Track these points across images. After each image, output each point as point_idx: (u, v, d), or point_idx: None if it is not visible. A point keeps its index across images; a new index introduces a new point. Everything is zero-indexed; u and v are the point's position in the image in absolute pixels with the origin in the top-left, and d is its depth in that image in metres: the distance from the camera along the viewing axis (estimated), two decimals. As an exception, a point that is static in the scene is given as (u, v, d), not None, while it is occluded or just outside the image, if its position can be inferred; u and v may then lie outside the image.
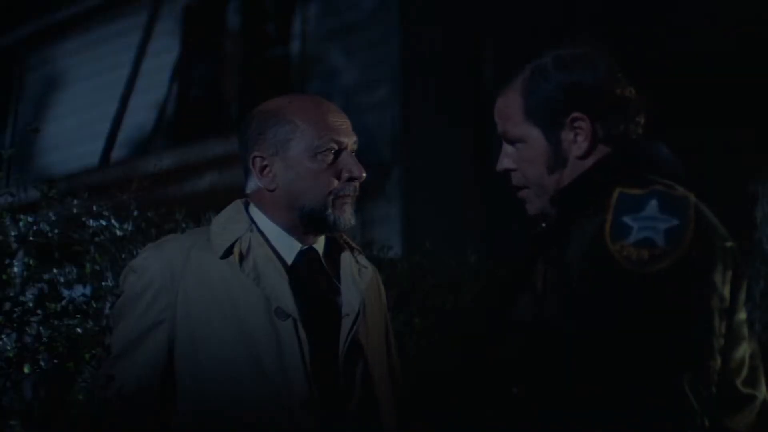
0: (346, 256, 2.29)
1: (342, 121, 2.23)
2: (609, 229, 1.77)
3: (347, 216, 2.21)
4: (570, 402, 1.76)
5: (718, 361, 1.77)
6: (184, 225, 3.86)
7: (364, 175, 2.22)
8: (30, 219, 2.44)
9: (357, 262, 2.30)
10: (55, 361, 2.08)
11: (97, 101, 9.89)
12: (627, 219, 1.78)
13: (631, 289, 1.73)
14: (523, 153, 2.02)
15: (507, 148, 2.05)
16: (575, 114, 1.97)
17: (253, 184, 2.25)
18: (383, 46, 8.02)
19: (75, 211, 3.64)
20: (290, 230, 2.23)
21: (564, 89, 1.97)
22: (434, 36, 7.96)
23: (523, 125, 2.01)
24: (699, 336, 1.75)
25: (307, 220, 2.21)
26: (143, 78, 9.53)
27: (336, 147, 2.20)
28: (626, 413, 1.70)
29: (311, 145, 2.19)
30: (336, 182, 2.20)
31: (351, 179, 2.21)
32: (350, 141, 2.22)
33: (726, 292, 1.80)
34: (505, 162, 2.05)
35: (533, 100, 1.99)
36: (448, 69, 7.84)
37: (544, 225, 2.01)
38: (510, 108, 2.03)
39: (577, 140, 1.97)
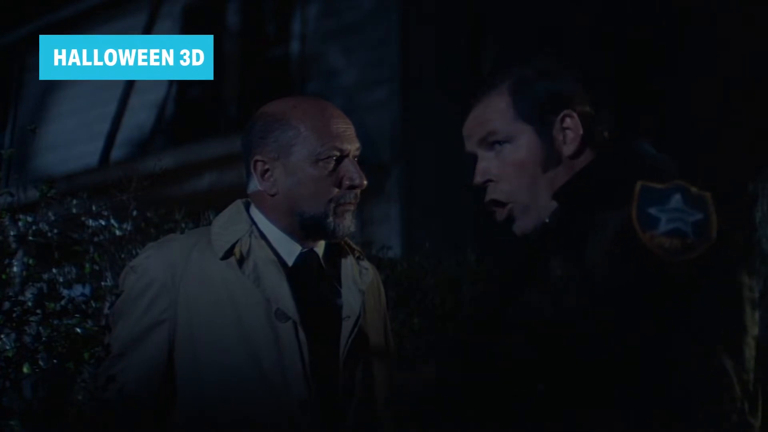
0: (346, 258, 2.29)
1: (345, 128, 2.22)
2: (636, 219, 1.77)
3: (347, 223, 2.20)
4: (608, 394, 1.76)
5: (753, 350, 1.79)
6: (183, 225, 3.86)
7: (365, 183, 2.20)
8: (29, 219, 2.45)
9: (358, 264, 2.30)
10: (55, 360, 2.08)
11: (97, 101, 9.89)
12: (653, 210, 1.77)
13: (669, 278, 1.74)
14: (512, 155, 1.97)
15: (485, 156, 2.00)
16: (566, 111, 1.96)
17: (254, 185, 2.25)
18: (383, 46, 8.02)
19: (74, 211, 3.65)
20: (290, 233, 2.22)
21: (551, 92, 1.98)
22: (434, 36, 7.96)
23: (513, 123, 1.97)
24: (737, 324, 1.77)
25: (306, 226, 2.20)
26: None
27: (338, 154, 2.18)
28: (674, 400, 1.70)
29: (313, 151, 2.17)
30: (336, 190, 2.18)
31: (352, 187, 2.20)
32: (353, 148, 2.21)
33: (753, 283, 1.83)
34: (490, 170, 1.99)
35: (523, 100, 1.98)
36: (448, 69, 7.84)
37: (548, 221, 1.99)
38: (496, 110, 1.99)
39: (566, 140, 1.97)
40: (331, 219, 2.18)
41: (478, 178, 2.01)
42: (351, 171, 2.19)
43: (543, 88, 1.98)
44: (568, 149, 1.97)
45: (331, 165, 2.18)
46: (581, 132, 1.97)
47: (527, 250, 2.00)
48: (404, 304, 4.19)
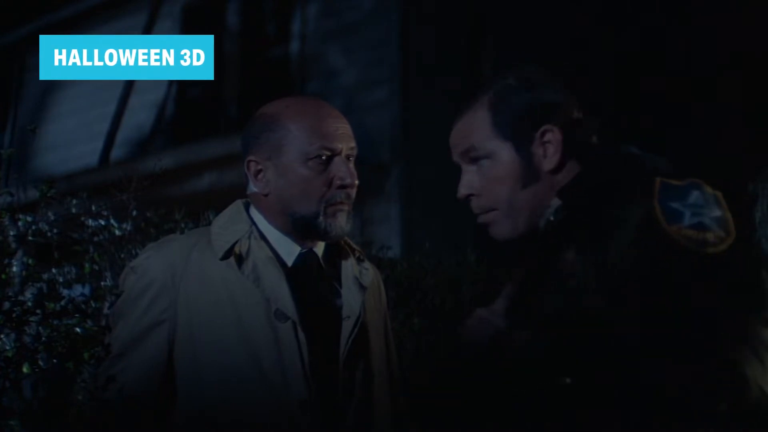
0: (347, 259, 2.28)
1: (337, 127, 2.20)
2: (660, 213, 1.78)
3: (339, 223, 2.19)
4: (641, 385, 1.75)
5: None
6: (183, 225, 3.86)
7: (356, 182, 2.19)
8: (29, 219, 2.44)
9: (358, 264, 2.29)
10: (55, 360, 2.08)
11: (97, 101, 9.89)
12: (675, 205, 1.80)
13: (700, 268, 1.75)
14: (491, 171, 1.98)
15: (469, 169, 2.01)
16: (546, 126, 1.96)
17: (251, 186, 2.25)
18: (383, 46, 8.02)
19: (74, 210, 3.65)
20: (288, 233, 2.22)
21: (532, 105, 1.98)
22: (434, 36, 7.96)
23: (492, 140, 1.98)
24: (764, 317, 1.77)
25: (299, 226, 2.19)
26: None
27: (328, 153, 2.17)
28: (716, 388, 1.71)
29: (303, 151, 2.17)
30: (326, 189, 2.17)
31: (342, 186, 2.18)
32: (345, 147, 2.19)
33: None
34: (473, 185, 2.00)
35: (502, 114, 1.98)
36: (448, 69, 7.84)
37: (552, 219, 1.99)
38: (476, 124, 2.00)
39: (547, 154, 1.97)
40: (321, 219, 2.17)
41: (462, 191, 2.03)
42: (341, 170, 2.18)
43: (522, 102, 1.98)
44: (548, 164, 1.97)
45: (321, 164, 2.17)
46: (561, 147, 1.97)
47: (532, 250, 1.99)
48: (404, 304, 4.19)
